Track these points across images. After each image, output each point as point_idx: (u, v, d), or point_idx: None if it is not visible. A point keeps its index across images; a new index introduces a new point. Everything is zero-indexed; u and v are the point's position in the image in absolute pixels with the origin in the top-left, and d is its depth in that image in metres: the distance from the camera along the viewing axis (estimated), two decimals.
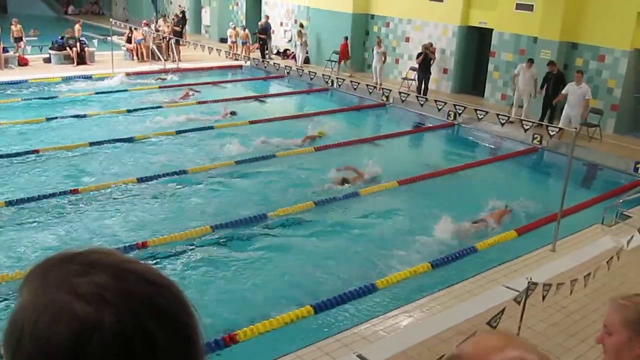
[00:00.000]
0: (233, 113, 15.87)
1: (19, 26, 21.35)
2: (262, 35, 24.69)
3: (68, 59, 21.65)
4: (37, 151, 12.28)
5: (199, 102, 17.27)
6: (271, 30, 25.40)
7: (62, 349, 0.79)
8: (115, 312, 0.80)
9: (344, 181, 11.35)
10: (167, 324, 0.84)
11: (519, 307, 5.96)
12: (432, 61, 18.59)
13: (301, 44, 23.13)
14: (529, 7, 17.11)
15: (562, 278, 7.06)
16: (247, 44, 25.30)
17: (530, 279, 5.95)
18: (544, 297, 6.25)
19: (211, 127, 14.69)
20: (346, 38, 21.59)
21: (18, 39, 21.35)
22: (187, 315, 0.88)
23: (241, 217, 9.62)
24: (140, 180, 11.06)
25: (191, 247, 8.70)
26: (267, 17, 25.67)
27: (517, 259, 8.42)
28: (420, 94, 17.39)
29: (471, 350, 1.04)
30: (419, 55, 18.46)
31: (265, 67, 22.46)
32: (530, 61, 16.11)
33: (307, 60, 23.43)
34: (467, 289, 7.51)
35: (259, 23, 25.21)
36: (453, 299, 7.25)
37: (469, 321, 6.57)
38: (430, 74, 18.56)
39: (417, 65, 18.70)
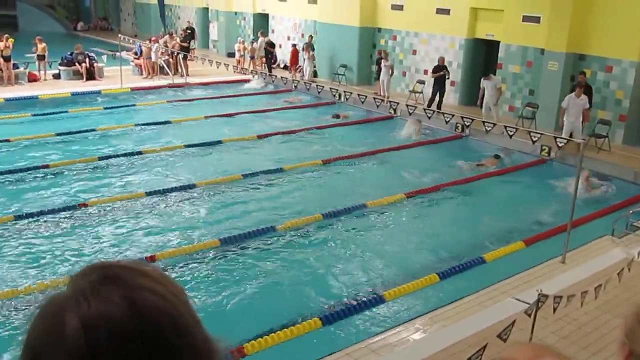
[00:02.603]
0: None
1: (43, 44, 21.49)
2: (269, 48, 24.83)
3: (77, 75, 21.82)
4: (47, 166, 12.36)
5: (206, 117, 17.33)
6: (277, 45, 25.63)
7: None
8: (91, 331, 0.81)
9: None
10: (176, 335, 0.85)
11: (530, 320, 5.92)
12: (447, 76, 18.57)
13: (308, 58, 23.24)
14: (536, 19, 17.12)
15: (573, 290, 7.01)
16: (255, 58, 25.46)
17: (541, 290, 5.91)
18: (554, 310, 6.21)
19: (219, 142, 14.73)
20: (294, 45, 24.41)
21: (41, 57, 21.53)
22: (191, 341, 0.88)
23: (249, 230, 9.64)
24: (149, 194, 11.10)
25: (200, 261, 8.71)
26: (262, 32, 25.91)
27: (527, 270, 8.37)
28: (439, 108, 17.35)
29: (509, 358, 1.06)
30: (437, 69, 18.36)
31: (272, 81, 22.54)
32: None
33: (315, 74, 23.52)
34: (476, 301, 7.46)
35: (266, 38, 25.41)
36: (462, 311, 7.20)
37: (479, 334, 6.52)
38: (445, 89, 18.55)
39: (424, 78, 18.68)
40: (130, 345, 0.81)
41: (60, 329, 0.81)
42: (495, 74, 17.49)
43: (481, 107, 16.89)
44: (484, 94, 16.83)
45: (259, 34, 25.83)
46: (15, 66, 20.91)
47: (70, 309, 0.83)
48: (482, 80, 16.93)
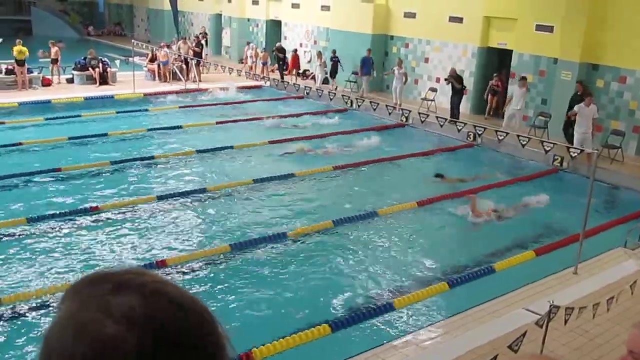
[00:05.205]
0: None
1: (55, 48, 21.74)
2: (280, 54, 24.92)
3: (90, 79, 21.97)
4: (59, 169, 12.43)
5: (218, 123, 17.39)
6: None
7: None
8: (140, 334, 0.81)
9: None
10: (191, 347, 0.84)
11: (541, 331, 5.86)
12: (456, 86, 18.48)
13: (320, 65, 23.28)
14: (549, 28, 17.07)
15: (585, 301, 6.94)
16: (267, 64, 25.55)
17: (553, 302, 5.85)
18: (566, 321, 6.15)
19: (231, 147, 14.76)
20: (295, 50, 25.26)
21: (55, 61, 21.76)
22: (215, 339, 0.88)
23: (260, 236, 9.64)
24: (160, 198, 11.13)
25: (210, 266, 8.71)
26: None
27: (538, 281, 8.30)
28: (457, 118, 17.30)
29: None
30: (460, 80, 18.31)
31: (285, 87, 22.58)
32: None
33: (325, 81, 23.55)
34: (486, 311, 7.41)
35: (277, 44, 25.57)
36: (473, 321, 7.15)
37: (490, 344, 6.47)
38: (461, 99, 18.47)
39: (436, 86, 18.64)
40: (182, 341, 0.83)
41: (109, 343, 0.80)
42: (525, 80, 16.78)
43: (489, 114, 16.69)
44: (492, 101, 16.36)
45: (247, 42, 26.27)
46: (29, 71, 21.09)
47: (104, 319, 0.81)
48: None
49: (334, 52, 22.92)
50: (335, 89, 21.98)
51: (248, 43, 27.18)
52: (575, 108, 14.39)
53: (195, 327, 0.85)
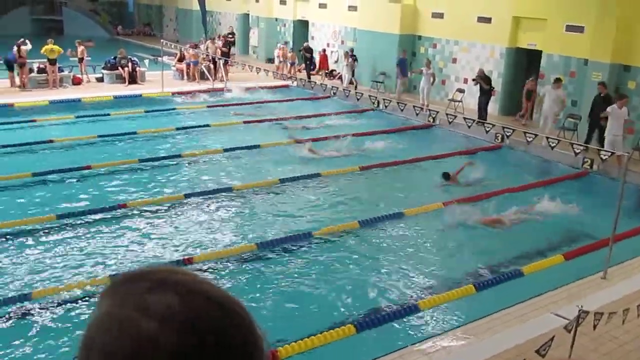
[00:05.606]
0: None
1: (82, 47, 22.13)
2: (307, 54, 24.95)
3: (120, 79, 22.25)
4: (89, 167, 12.61)
5: (245, 122, 17.47)
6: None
7: None
8: (178, 331, 0.81)
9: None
10: (230, 346, 0.84)
11: (569, 336, 5.79)
12: (484, 87, 18.34)
13: (347, 65, 23.26)
14: (580, 29, 16.83)
15: (614, 307, 6.84)
16: (295, 64, 25.61)
17: (582, 307, 5.77)
18: (594, 326, 6.06)
19: (257, 146, 14.82)
20: (324, 50, 25.28)
21: (81, 59, 22.15)
22: (253, 338, 0.88)
23: (286, 235, 9.67)
24: (187, 196, 11.23)
25: (236, 264, 8.77)
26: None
27: (566, 285, 8.19)
28: (485, 119, 17.17)
29: None
30: (488, 81, 18.22)
31: (312, 87, 22.62)
32: (558, 81, 16.09)
33: (352, 81, 23.54)
34: (514, 314, 7.33)
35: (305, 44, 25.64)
36: (499, 324, 7.08)
37: (517, 348, 6.41)
38: (489, 99, 18.32)
39: (464, 87, 18.50)
40: (220, 340, 0.83)
41: (148, 341, 0.80)
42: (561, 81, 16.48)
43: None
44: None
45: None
46: (60, 69, 21.44)
47: (142, 317, 0.82)
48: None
49: (352, 50, 23.23)
50: (356, 87, 22.04)
51: (285, 43, 27.22)
52: (608, 109, 14.19)
53: (233, 326, 0.85)
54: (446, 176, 12.93)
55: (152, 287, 0.85)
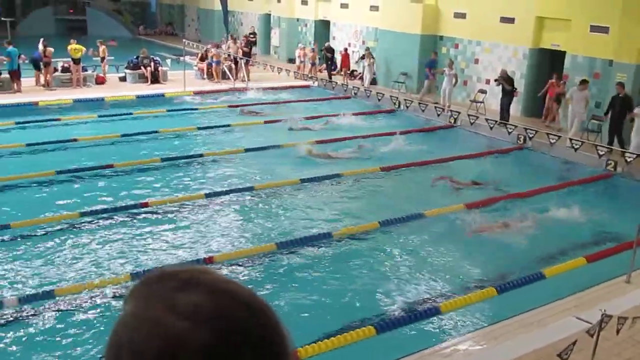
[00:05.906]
0: None
1: (103, 47, 22.42)
2: (329, 54, 24.95)
3: (142, 78, 22.45)
4: (111, 166, 12.74)
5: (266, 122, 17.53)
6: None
7: None
8: (207, 331, 0.81)
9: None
10: (257, 346, 0.84)
11: (591, 340, 5.72)
12: (507, 88, 18.17)
13: (368, 65, 23.22)
14: (605, 30, 16.62)
15: (638, 311, 6.74)
16: (316, 64, 25.63)
17: (605, 311, 5.70)
18: (618, 331, 5.98)
19: (278, 146, 14.86)
20: (346, 49, 25.35)
21: (102, 59, 22.43)
22: (279, 338, 0.88)
23: (306, 235, 9.68)
24: (208, 195, 11.29)
25: (256, 264, 8.80)
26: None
27: (589, 289, 8.09)
28: (507, 120, 17.06)
29: None
30: (510, 82, 18.09)
31: (333, 87, 22.60)
32: (584, 82, 16.01)
33: (374, 81, 23.50)
34: (535, 317, 7.26)
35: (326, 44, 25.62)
36: (521, 327, 7.02)
37: (538, 352, 6.34)
38: (511, 101, 18.17)
39: (485, 88, 18.36)
40: (248, 339, 0.83)
41: (177, 340, 0.81)
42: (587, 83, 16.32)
43: (545, 119, 16.34)
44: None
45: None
46: (84, 69, 21.69)
47: (171, 316, 0.82)
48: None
49: (367, 49, 23.34)
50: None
51: (311, 43, 27.22)
52: (636, 110, 14.01)
53: (259, 325, 0.86)
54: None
55: (180, 286, 0.86)
